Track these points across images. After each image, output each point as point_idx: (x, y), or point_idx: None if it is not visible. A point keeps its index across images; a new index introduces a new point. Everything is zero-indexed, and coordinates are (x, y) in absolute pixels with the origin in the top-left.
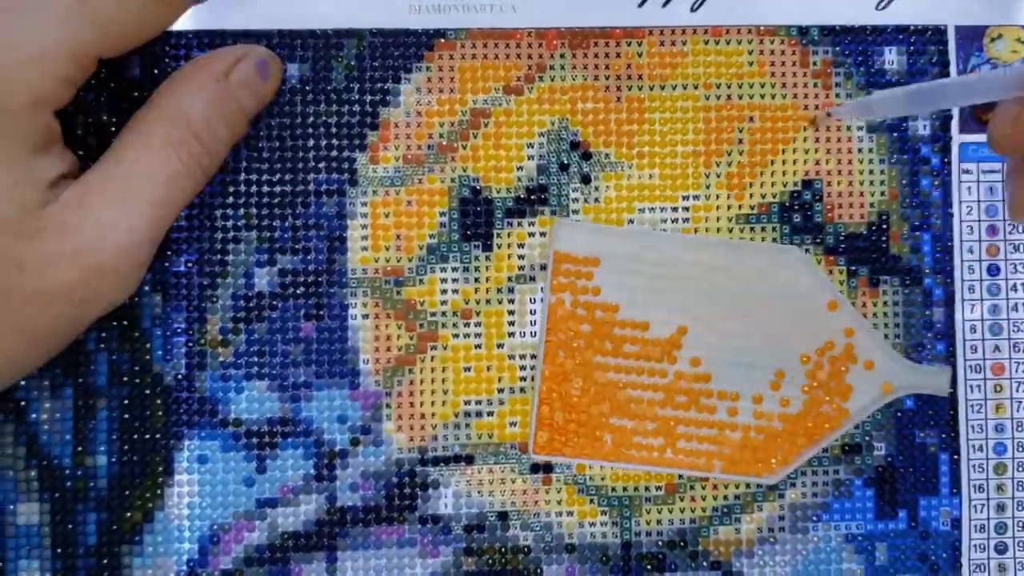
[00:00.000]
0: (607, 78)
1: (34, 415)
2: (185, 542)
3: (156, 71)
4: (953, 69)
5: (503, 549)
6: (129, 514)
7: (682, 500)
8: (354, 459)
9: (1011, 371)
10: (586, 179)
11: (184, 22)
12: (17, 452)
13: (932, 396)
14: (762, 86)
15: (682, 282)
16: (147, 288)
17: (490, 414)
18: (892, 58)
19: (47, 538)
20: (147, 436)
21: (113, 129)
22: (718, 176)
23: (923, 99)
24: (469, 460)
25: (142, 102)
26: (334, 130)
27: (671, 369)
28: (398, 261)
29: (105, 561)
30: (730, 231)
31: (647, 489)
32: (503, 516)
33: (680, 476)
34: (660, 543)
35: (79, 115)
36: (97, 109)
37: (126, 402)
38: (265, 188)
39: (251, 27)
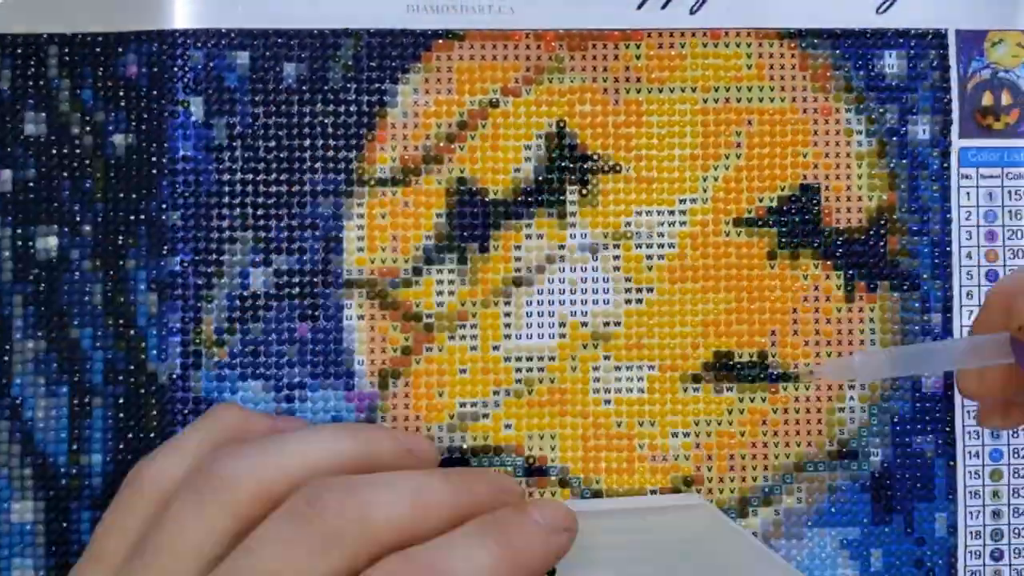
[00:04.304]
0: (605, 80)
1: (29, 413)
2: None
3: (155, 69)
4: (953, 73)
5: None
6: None
7: None
8: None
9: None
10: (584, 182)
11: (180, 20)
12: (12, 450)
13: (928, 403)
14: (760, 89)
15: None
16: (142, 287)
17: (485, 416)
18: (892, 62)
19: (41, 536)
20: (142, 435)
21: (110, 128)
22: (716, 179)
23: (907, 364)
24: (464, 462)
25: (139, 100)
26: (331, 130)
27: None
28: (394, 262)
29: None
30: (727, 234)
31: (642, 493)
32: None
33: (676, 480)
34: None
35: (74, 113)
36: (93, 108)
37: (121, 401)
38: (261, 188)
39: (248, 26)
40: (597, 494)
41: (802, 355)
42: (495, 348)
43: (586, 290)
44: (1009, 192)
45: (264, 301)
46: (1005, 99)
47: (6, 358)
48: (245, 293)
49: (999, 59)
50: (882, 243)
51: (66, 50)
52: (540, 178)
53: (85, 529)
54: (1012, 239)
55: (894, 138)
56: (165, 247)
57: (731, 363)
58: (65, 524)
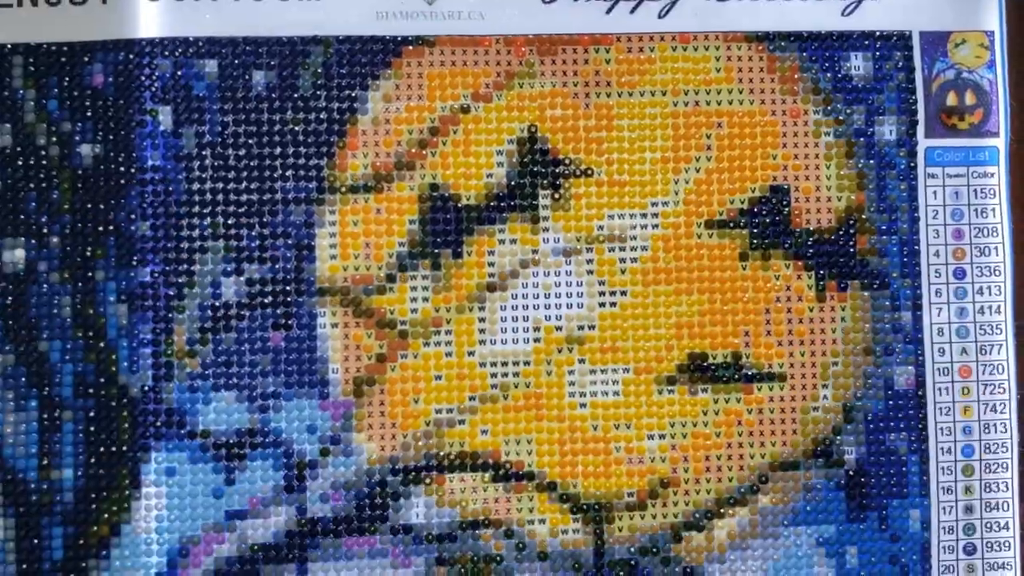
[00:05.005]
0: (575, 84)
1: None
2: (153, 555)
3: (121, 79)
4: (918, 74)
5: (475, 558)
6: (96, 528)
7: (654, 507)
8: (324, 469)
9: (977, 374)
10: (556, 186)
11: (146, 29)
12: None
13: (901, 400)
14: (729, 92)
15: None
16: (112, 299)
17: (461, 422)
18: (858, 63)
19: (12, 553)
20: (114, 449)
21: (77, 138)
22: (687, 182)
23: None
24: (440, 469)
25: (106, 110)
26: (301, 138)
27: None
28: (367, 269)
29: None
30: (699, 236)
31: (619, 496)
32: (475, 525)
33: (653, 483)
34: (632, 550)
35: (40, 123)
36: (59, 118)
37: (92, 414)
38: (232, 197)
39: (216, 34)
40: (574, 498)
41: (775, 355)
42: (470, 354)
43: (560, 294)
44: (975, 190)
45: (236, 311)
46: (969, 99)
47: None
48: (217, 303)
49: (962, 60)
50: (851, 243)
51: (31, 60)
52: (512, 183)
53: (57, 545)
54: (979, 237)
55: (861, 139)
56: (135, 258)
57: (705, 364)
58: (36, 540)
